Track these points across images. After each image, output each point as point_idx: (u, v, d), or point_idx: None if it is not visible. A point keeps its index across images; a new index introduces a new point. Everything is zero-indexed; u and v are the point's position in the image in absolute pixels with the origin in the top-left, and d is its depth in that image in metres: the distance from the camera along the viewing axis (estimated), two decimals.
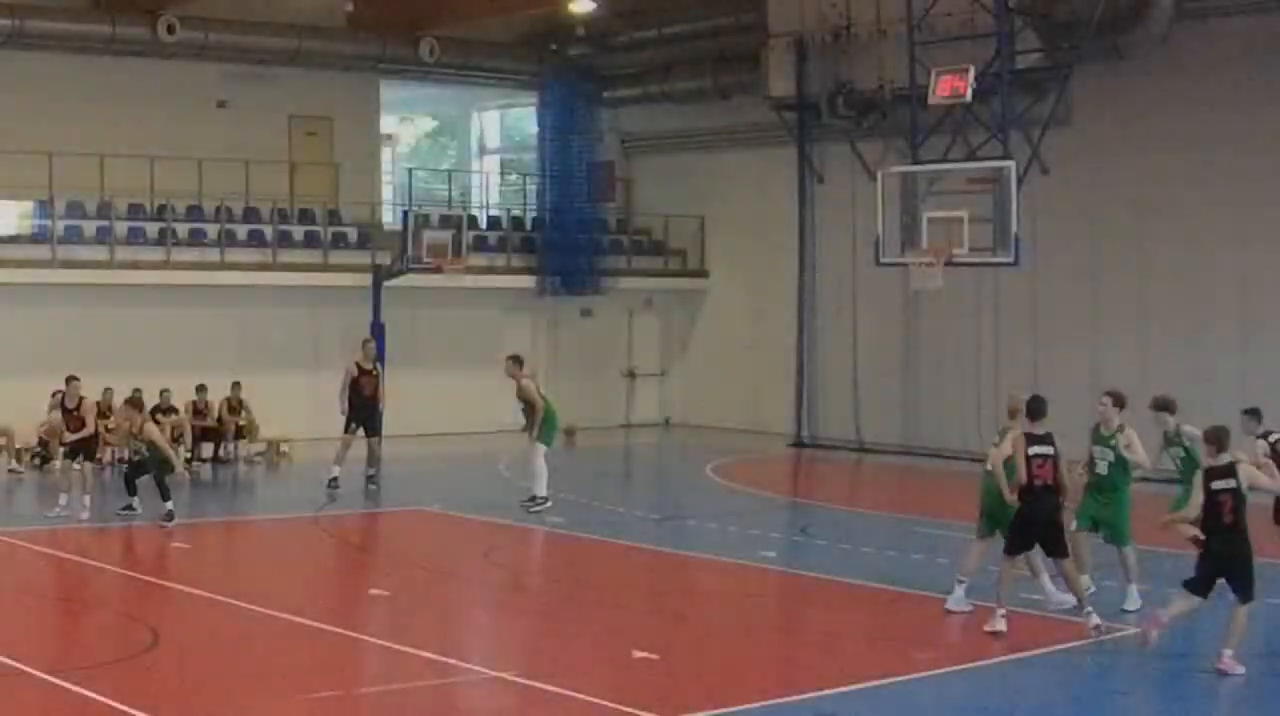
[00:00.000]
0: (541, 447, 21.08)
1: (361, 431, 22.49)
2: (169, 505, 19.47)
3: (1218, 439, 12.53)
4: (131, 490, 19.99)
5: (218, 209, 28.37)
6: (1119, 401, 15.07)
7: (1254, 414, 15.42)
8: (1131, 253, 26.44)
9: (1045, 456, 13.76)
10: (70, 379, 20.42)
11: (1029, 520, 13.80)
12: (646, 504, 23.71)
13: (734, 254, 33.31)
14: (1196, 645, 13.92)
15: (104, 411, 25.43)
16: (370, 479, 22.90)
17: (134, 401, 21.35)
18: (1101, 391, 15.72)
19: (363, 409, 22.52)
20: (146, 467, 20.02)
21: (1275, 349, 24.79)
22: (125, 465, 21.25)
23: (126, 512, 19.96)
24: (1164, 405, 15.20)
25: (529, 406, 21.14)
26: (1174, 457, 15.12)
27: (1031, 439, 13.84)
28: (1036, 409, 14.11)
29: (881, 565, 17.12)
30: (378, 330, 28.90)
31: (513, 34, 32.98)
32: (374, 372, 22.82)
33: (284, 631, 14.10)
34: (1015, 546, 13.99)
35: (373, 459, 22.96)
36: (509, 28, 32.47)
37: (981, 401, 27.55)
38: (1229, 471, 12.38)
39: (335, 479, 22.29)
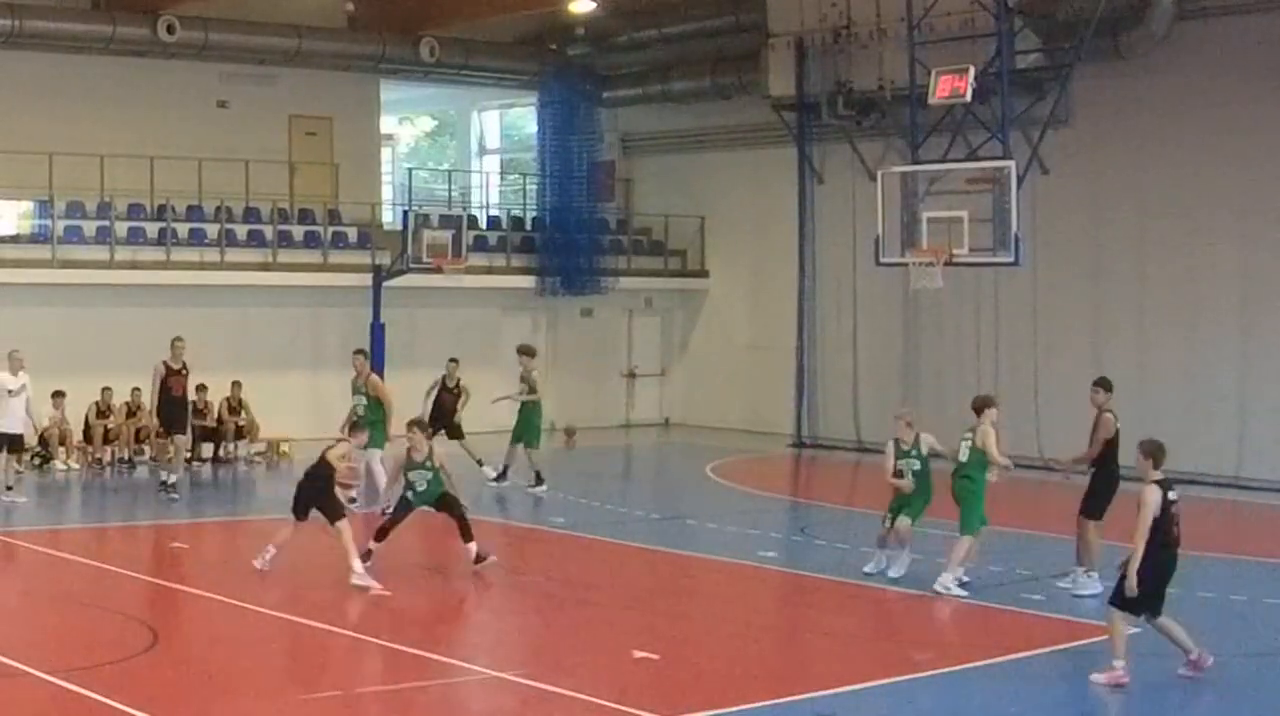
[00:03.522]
0: (380, 452, 20.79)
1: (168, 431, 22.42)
2: (474, 547, 16.61)
3: None
4: (381, 537, 16.68)
5: (218, 209, 28.36)
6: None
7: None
8: (1131, 252, 26.44)
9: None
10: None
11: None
12: (646, 504, 23.72)
13: (734, 254, 33.31)
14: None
15: (102, 411, 25.52)
16: (167, 487, 22.11)
17: (419, 422, 17.37)
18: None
19: (169, 409, 22.26)
20: (412, 505, 16.76)
21: (1275, 348, 24.81)
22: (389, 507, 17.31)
23: (361, 584, 15.62)
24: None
25: (379, 404, 20.77)
26: None
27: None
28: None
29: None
30: (377, 330, 28.94)
31: (513, 34, 32.98)
32: (183, 373, 22.42)
33: (284, 631, 14.10)
34: None
35: (175, 463, 22.68)
36: (509, 28, 32.46)
37: None
38: None
39: (173, 485, 22.10)
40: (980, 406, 16.34)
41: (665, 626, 14.75)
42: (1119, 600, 12.47)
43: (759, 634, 14.66)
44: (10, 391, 21.32)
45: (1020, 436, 26.89)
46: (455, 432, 23.64)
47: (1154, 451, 12.60)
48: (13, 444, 21.77)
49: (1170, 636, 12.58)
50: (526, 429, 23.48)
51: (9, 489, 21.51)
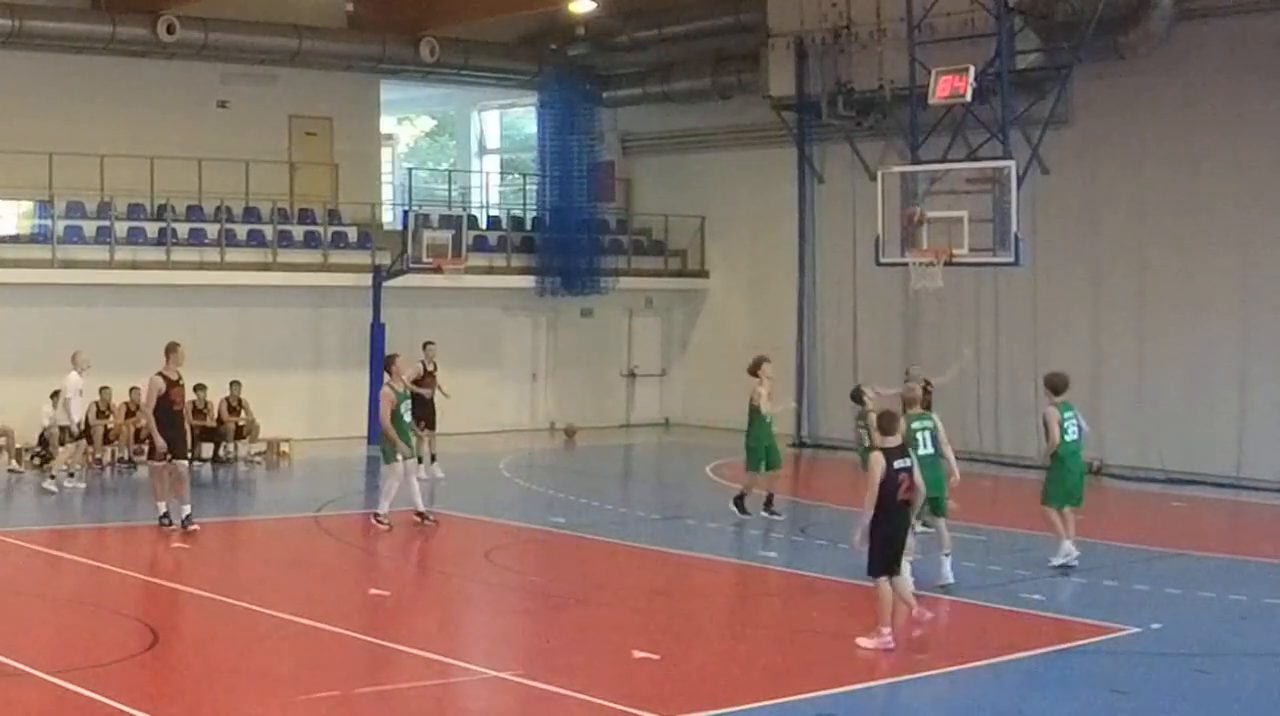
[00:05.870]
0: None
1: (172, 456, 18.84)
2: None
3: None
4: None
5: (218, 209, 28.37)
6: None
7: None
8: (1131, 252, 26.44)
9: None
10: None
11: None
12: (646, 504, 23.71)
13: (734, 254, 33.31)
14: (1197, 645, 13.93)
15: (102, 411, 25.49)
16: (186, 519, 18.92)
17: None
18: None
19: (173, 427, 18.91)
20: None
21: (1275, 348, 24.80)
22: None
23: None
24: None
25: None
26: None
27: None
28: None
29: None
30: (378, 330, 28.95)
31: (513, 34, 32.98)
32: (181, 384, 19.12)
33: (284, 631, 14.09)
34: None
35: (184, 491, 19.07)
36: (509, 28, 32.47)
37: (981, 401, 27.60)
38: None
39: (167, 515, 18.97)
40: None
41: (665, 626, 14.75)
42: (876, 568, 13.46)
43: (759, 634, 14.66)
44: (80, 391, 22.94)
45: (1020, 435, 26.96)
46: (430, 422, 23.51)
47: (884, 424, 13.77)
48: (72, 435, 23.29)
49: (901, 596, 13.52)
50: (760, 449, 21.59)
51: (70, 476, 23.00)
